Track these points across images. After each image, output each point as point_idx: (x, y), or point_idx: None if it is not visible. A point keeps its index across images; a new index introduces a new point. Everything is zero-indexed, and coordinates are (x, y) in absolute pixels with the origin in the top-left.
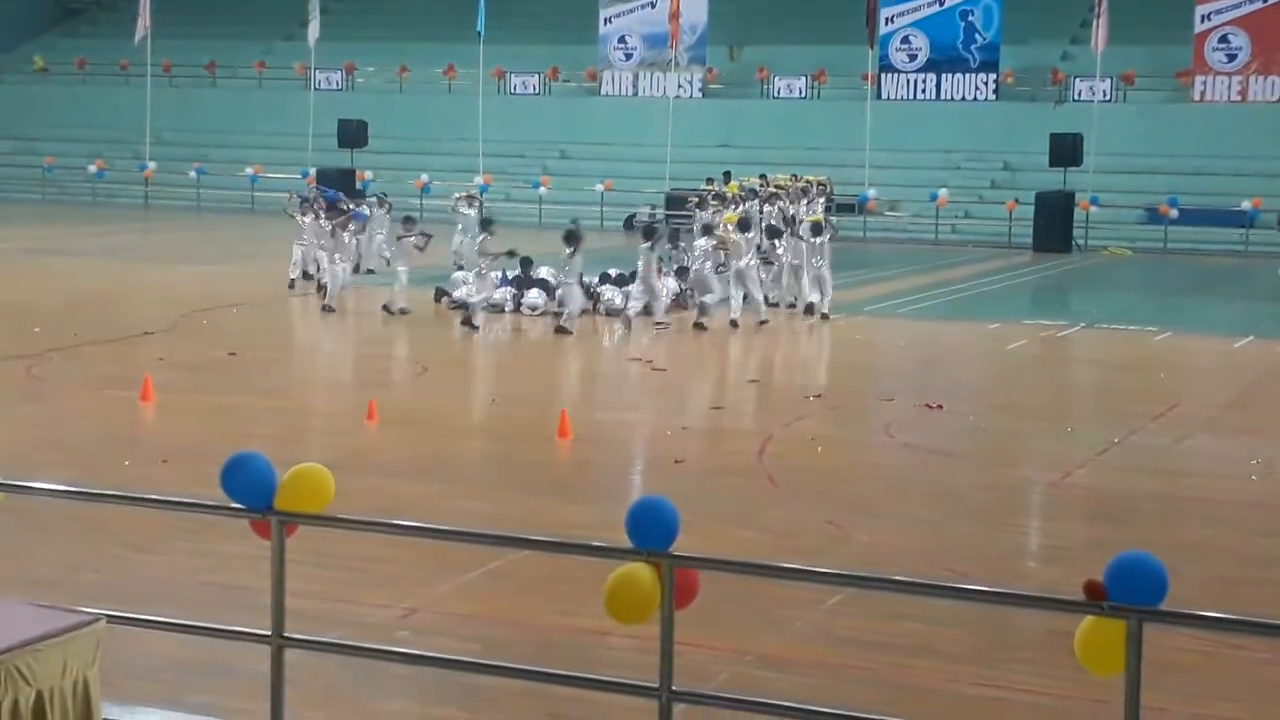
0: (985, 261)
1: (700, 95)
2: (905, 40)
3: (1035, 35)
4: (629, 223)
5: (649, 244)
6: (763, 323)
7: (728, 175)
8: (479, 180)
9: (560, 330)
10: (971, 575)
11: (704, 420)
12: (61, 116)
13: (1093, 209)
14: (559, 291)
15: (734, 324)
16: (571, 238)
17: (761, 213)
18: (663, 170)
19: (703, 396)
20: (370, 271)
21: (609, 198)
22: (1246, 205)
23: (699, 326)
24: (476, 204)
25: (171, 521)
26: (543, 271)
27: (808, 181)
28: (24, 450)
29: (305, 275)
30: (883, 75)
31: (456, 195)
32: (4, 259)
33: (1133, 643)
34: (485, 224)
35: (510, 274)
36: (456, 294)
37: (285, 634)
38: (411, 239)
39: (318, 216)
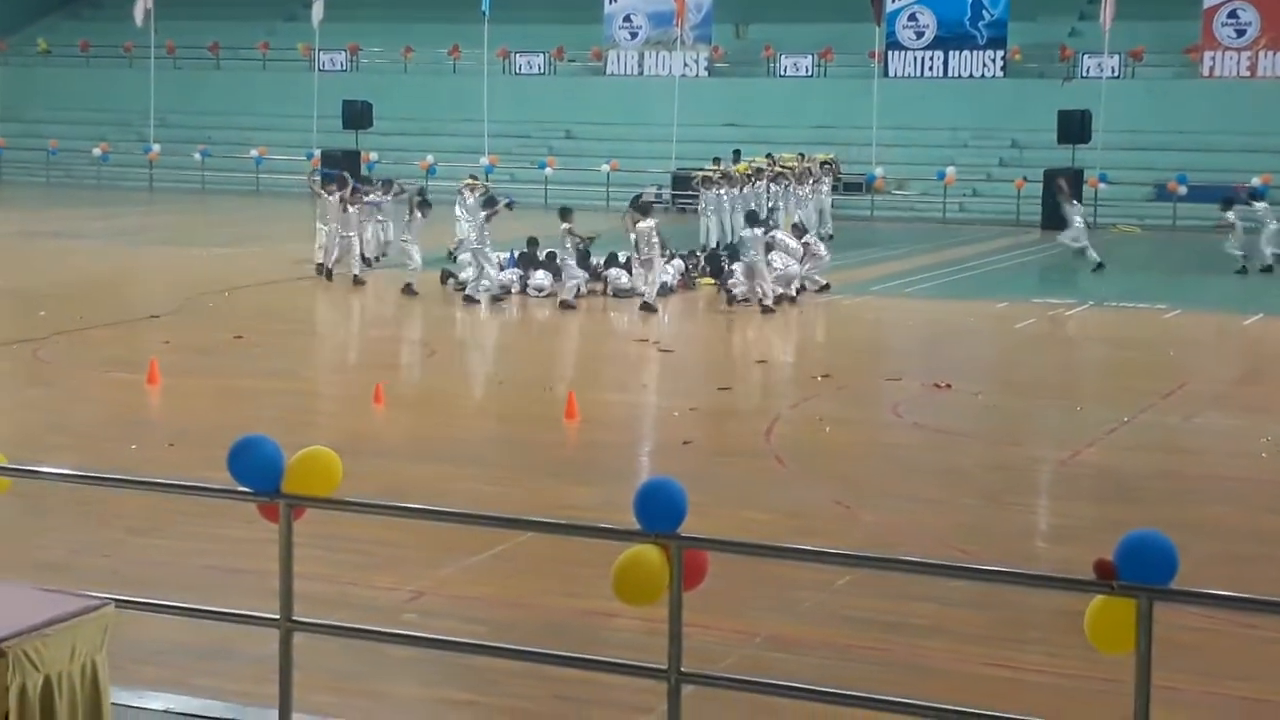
0: (993, 240)
1: (706, 74)
2: (912, 18)
3: (1043, 11)
4: (635, 203)
5: (649, 221)
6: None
7: (737, 154)
8: (484, 161)
9: (564, 305)
10: (981, 555)
11: (711, 401)
12: (65, 99)
13: (1101, 186)
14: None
15: (768, 309)
16: (565, 212)
17: (768, 192)
18: (669, 150)
19: (710, 377)
20: (376, 259)
21: (614, 178)
22: (1257, 181)
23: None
24: (480, 189)
25: (179, 505)
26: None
27: (814, 161)
28: (30, 434)
29: (365, 260)
30: (890, 53)
31: (462, 183)
32: (9, 243)
33: (1143, 622)
34: (489, 203)
35: (516, 254)
36: (462, 275)
37: (293, 617)
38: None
39: (344, 196)
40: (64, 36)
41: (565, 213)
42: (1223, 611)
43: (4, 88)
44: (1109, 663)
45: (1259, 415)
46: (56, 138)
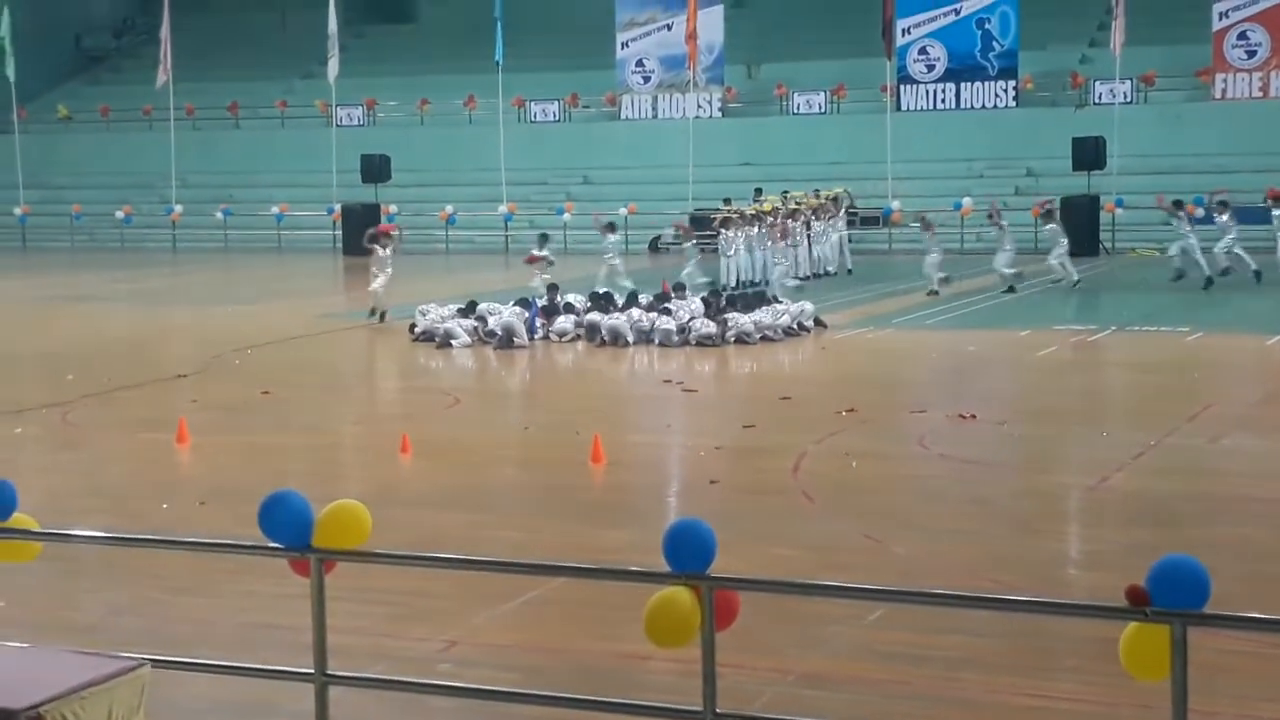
0: (1012, 268)
1: (720, 115)
2: (923, 51)
3: (1053, 40)
4: (654, 245)
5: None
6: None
7: (758, 192)
8: (502, 209)
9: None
10: (1012, 585)
11: (737, 439)
12: (87, 164)
13: (1118, 211)
14: (588, 317)
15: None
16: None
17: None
18: (685, 191)
19: (734, 415)
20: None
21: (633, 221)
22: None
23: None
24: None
25: (211, 563)
26: (570, 297)
27: (828, 198)
28: (62, 497)
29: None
30: (901, 87)
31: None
32: (36, 308)
33: (1177, 647)
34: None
35: (539, 301)
36: (420, 325)
37: (328, 671)
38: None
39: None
40: (84, 102)
41: (543, 239)
42: (1259, 634)
43: (26, 155)
44: (1144, 690)
45: None
46: (80, 202)
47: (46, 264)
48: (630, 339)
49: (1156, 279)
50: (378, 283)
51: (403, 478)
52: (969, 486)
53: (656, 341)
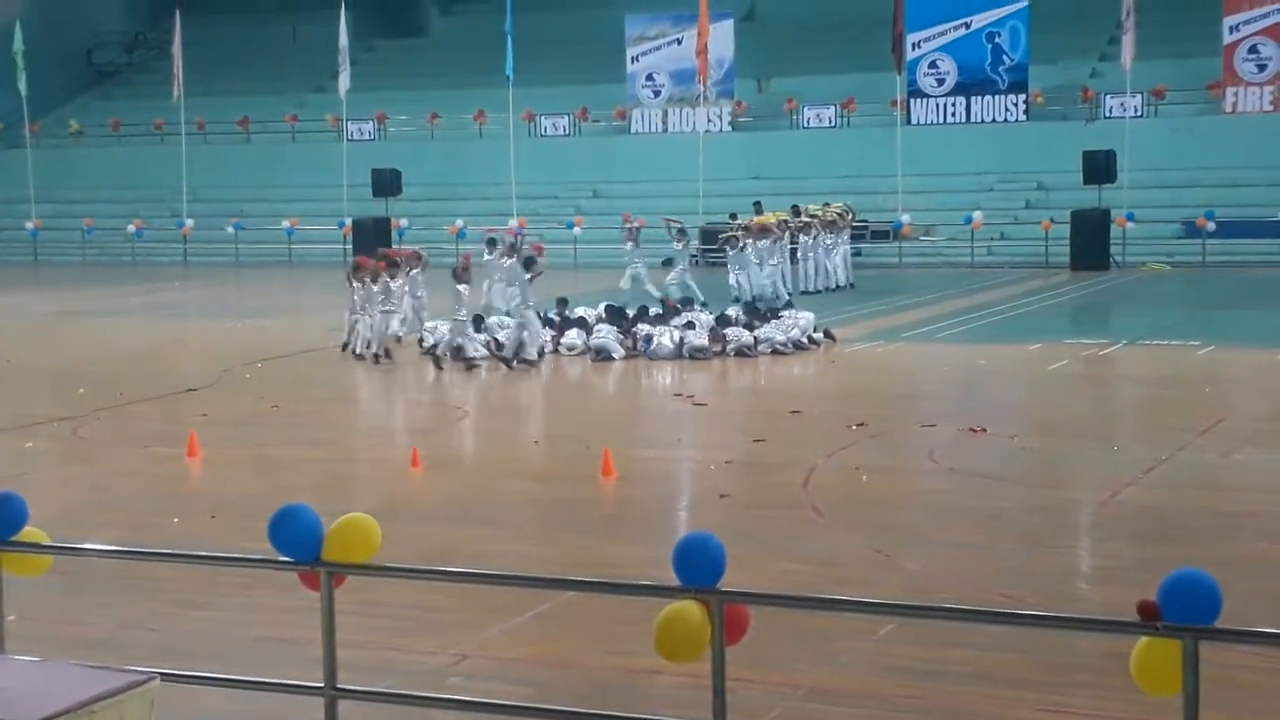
0: (1023, 282)
1: (730, 129)
2: (933, 65)
3: (1063, 54)
4: (666, 261)
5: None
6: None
7: (758, 206)
8: (513, 223)
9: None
10: (1023, 599)
11: (747, 453)
12: (98, 178)
13: (1129, 225)
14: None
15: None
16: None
17: (795, 243)
18: (696, 205)
19: (744, 429)
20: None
21: (643, 235)
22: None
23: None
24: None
25: (221, 576)
26: (580, 311)
27: (836, 213)
28: (73, 511)
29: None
30: (912, 101)
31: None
32: (47, 322)
33: (1189, 662)
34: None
35: (549, 314)
36: (429, 340)
37: (338, 685)
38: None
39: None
40: (95, 116)
41: (530, 263)
42: (1271, 649)
43: (38, 169)
44: (1155, 705)
45: None
46: (91, 216)
47: (57, 278)
48: (617, 355)
49: (1167, 292)
50: (393, 319)
51: (412, 491)
52: (979, 501)
53: (648, 356)
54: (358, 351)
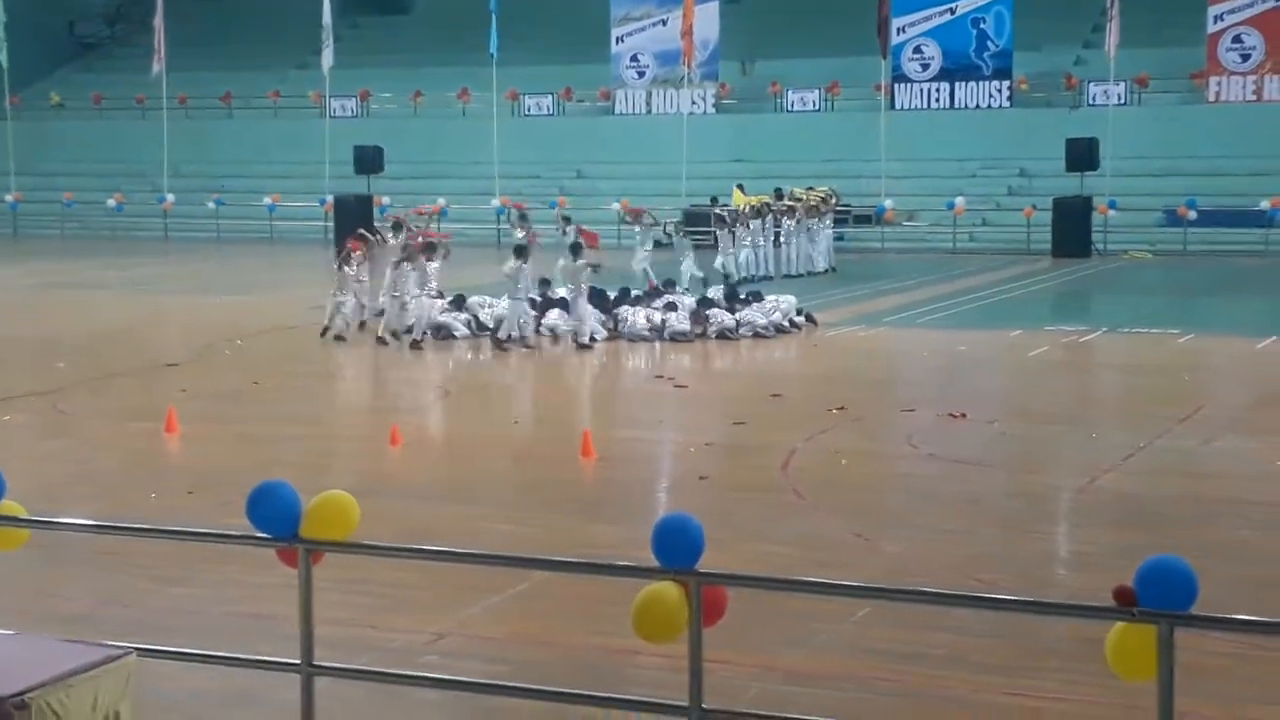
0: (1004, 269)
1: (714, 111)
2: (918, 50)
3: (1048, 41)
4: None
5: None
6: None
7: (741, 188)
8: (495, 202)
9: (581, 347)
10: (1000, 584)
11: (727, 436)
12: (79, 152)
13: (1111, 213)
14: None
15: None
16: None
17: (779, 226)
18: (679, 187)
19: (725, 412)
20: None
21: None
22: (1265, 205)
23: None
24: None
25: (199, 552)
26: (561, 292)
27: (819, 197)
28: (51, 485)
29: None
30: (896, 85)
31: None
32: (26, 295)
33: (1164, 648)
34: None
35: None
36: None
37: (314, 662)
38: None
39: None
40: (77, 90)
41: (520, 251)
42: (1245, 636)
43: (18, 142)
44: (1130, 690)
45: (1277, 438)
46: (71, 190)
47: (37, 251)
48: (587, 338)
49: (1148, 280)
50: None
51: (392, 469)
52: (959, 486)
53: (626, 337)
54: (337, 335)
